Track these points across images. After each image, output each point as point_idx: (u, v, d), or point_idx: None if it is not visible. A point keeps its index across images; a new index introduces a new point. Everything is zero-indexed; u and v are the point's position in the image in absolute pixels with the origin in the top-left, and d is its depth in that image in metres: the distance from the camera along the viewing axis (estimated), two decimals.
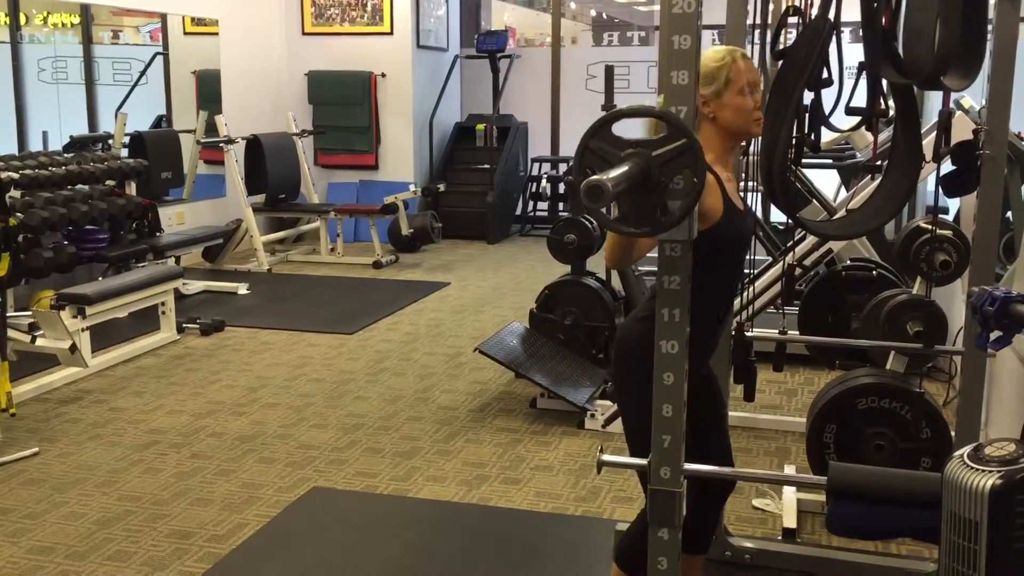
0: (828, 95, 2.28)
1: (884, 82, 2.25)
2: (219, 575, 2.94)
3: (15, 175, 5.37)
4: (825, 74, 2.22)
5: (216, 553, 3.07)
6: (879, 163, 2.50)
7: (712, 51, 2.22)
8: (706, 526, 2.46)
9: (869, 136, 3.91)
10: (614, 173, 1.64)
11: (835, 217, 4.04)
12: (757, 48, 2.62)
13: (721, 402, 2.51)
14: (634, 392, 2.24)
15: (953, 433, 3.02)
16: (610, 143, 1.77)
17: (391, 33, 9.04)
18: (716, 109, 2.20)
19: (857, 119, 2.28)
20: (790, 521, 3.21)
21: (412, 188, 8.46)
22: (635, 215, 1.79)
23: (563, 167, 9.34)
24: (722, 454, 2.43)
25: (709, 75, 2.19)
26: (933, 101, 5.40)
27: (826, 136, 2.80)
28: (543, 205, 9.72)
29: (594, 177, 1.57)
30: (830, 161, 6.07)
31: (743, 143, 2.38)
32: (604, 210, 1.71)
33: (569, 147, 9.76)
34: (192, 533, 3.20)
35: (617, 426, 4.10)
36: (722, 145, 2.23)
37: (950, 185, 2.69)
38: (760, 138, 2.26)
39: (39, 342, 4.62)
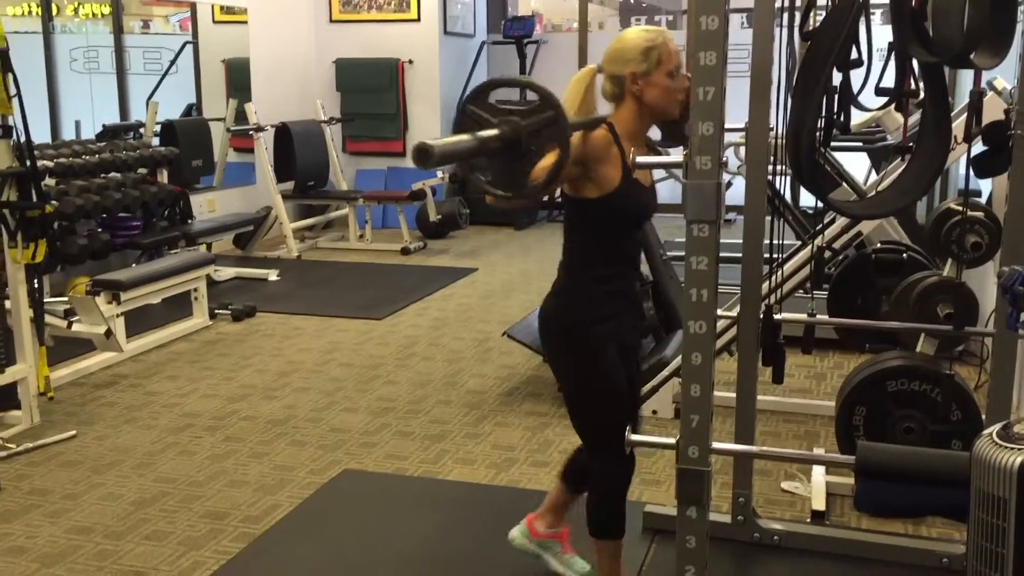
0: (857, 77, 2.28)
1: (914, 62, 2.24)
2: (254, 555, 2.99)
3: (50, 163, 5.45)
4: (854, 55, 2.22)
5: (250, 533, 3.12)
6: (909, 144, 2.49)
7: (643, 31, 2.34)
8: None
9: (900, 118, 3.88)
10: (448, 139, 1.77)
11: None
12: (785, 30, 2.61)
13: (639, 362, 2.67)
14: (563, 362, 2.46)
15: (984, 415, 3.00)
16: (485, 109, 1.90)
17: (418, 20, 9.05)
18: (644, 87, 2.31)
19: (886, 99, 2.27)
20: (819, 504, 3.21)
21: (440, 174, 8.49)
22: (504, 179, 1.92)
23: None
24: (636, 405, 2.65)
25: (641, 54, 2.30)
26: (965, 82, 5.34)
27: (856, 119, 2.80)
28: None
29: (424, 140, 1.68)
30: (860, 144, 6.02)
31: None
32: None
33: None
34: (227, 514, 3.26)
35: (646, 410, 4.11)
36: (639, 122, 2.36)
37: (981, 166, 2.67)
38: (788, 119, 2.26)
39: (75, 327, 4.71)
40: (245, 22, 8.35)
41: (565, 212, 2.44)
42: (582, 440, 2.52)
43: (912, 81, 2.27)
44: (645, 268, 4.98)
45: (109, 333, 4.67)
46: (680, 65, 2.33)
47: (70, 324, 4.70)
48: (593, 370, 2.38)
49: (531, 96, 1.98)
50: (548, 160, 1.95)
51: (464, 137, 1.83)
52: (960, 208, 3.30)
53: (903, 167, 2.50)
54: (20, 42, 7.81)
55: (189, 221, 6.56)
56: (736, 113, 2.73)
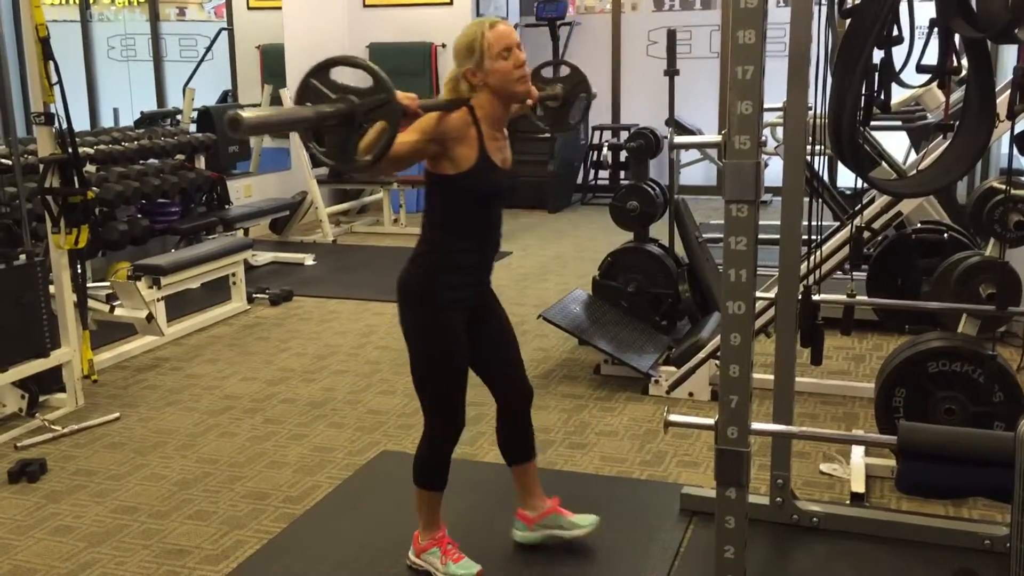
0: (898, 55, 2.25)
1: (956, 38, 2.20)
2: (295, 534, 3.03)
3: (90, 150, 5.53)
4: (895, 32, 2.18)
5: (291, 513, 3.16)
6: (951, 122, 2.45)
7: (466, 28, 2.51)
8: (522, 436, 2.89)
9: (941, 96, 3.82)
10: (263, 112, 2.00)
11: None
12: (824, 7, 2.58)
13: (506, 325, 2.83)
14: (410, 323, 2.62)
15: None
16: (326, 85, 2.08)
17: (450, 3, 9.03)
18: (484, 77, 2.48)
19: (928, 77, 2.23)
20: (858, 485, 3.19)
21: None
22: (338, 151, 2.09)
23: (624, 135, 9.28)
24: (513, 364, 2.83)
25: (465, 51, 2.48)
26: (1008, 58, 5.24)
27: (895, 97, 2.76)
28: (604, 173, 9.68)
29: (237, 111, 1.86)
30: (899, 123, 5.94)
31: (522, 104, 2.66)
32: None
33: (631, 115, 9.68)
34: (268, 494, 3.30)
35: (682, 392, 4.11)
36: (493, 107, 2.52)
37: None
38: (828, 98, 2.24)
39: (117, 312, 4.78)
40: (279, 8, 8.38)
41: (426, 186, 2.62)
42: (421, 402, 2.68)
43: (955, 58, 2.23)
44: (680, 251, 4.97)
45: (150, 317, 4.74)
46: (510, 45, 2.48)
47: (112, 308, 4.78)
48: (436, 335, 2.58)
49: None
50: (370, 137, 2.13)
51: (287, 109, 2.07)
52: (1003, 186, 3.25)
53: (945, 145, 2.47)
54: (58, 31, 7.91)
55: (226, 207, 6.62)
56: (773, 93, 2.71)
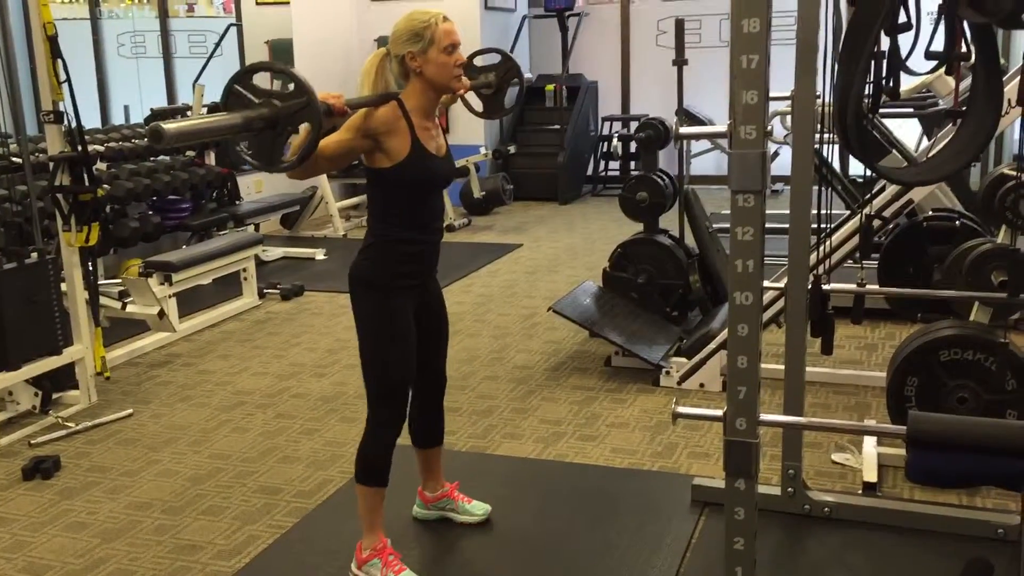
0: (905, 41, 2.22)
1: (965, 24, 2.18)
2: (307, 528, 3.04)
3: (101, 148, 5.55)
4: (903, 18, 2.16)
5: (303, 508, 3.17)
6: (961, 109, 2.43)
7: (419, 13, 2.55)
8: (434, 423, 2.96)
9: (951, 82, 3.79)
10: (186, 122, 2.06)
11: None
12: None
13: (444, 318, 2.88)
14: (360, 315, 2.65)
15: None
16: (250, 90, 2.11)
17: None
18: (422, 64, 2.54)
19: (935, 63, 2.21)
20: (870, 475, 3.18)
21: (483, 151, 8.48)
22: (263, 153, 2.14)
23: (634, 125, 9.25)
24: (440, 357, 2.89)
25: (415, 34, 2.53)
26: (1019, 43, 5.20)
27: (908, 84, 2.74)
28: (614, 164, 9.65)
29: (160, 123, 1.90)
30: (911, 110, 5.90)
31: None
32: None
33: (640, 106, 9.64)
34: (280, 489, 3.32)
35: (693, 383, 4.10)
36: (425, 97, 2.58)
37: None
38: (834, 86, 2.22)
39: (129, 308, 4.80)
40: (287, 3, 8.39)
41: (366, 180, 2.64)
42: (367, 390, 2.70)
43: (964, 44, 2.21)
44: (691, 241, 4.95)
45: (162, 314, 4.75)
46: (456, 43, 2.56)
47: (124, 305, 4.80)
48: (386, 326, 2.62)
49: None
50: (301, 139, 2.20)
51: (213, 117, 2.12)
52: (1014, 173, 3.22)
53: (954, 132, 2.45)
54: (68, 29, 7.93)
55: (237, 202, 6.64)
56: (782, 81, 2.69)
